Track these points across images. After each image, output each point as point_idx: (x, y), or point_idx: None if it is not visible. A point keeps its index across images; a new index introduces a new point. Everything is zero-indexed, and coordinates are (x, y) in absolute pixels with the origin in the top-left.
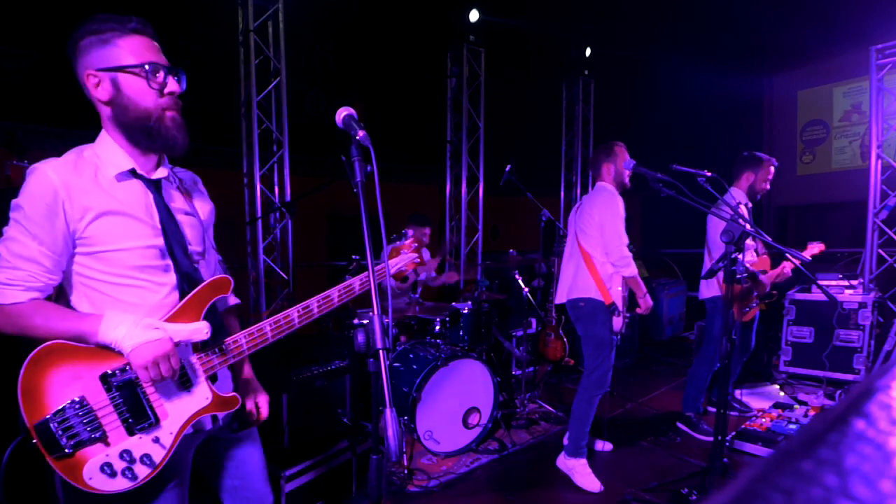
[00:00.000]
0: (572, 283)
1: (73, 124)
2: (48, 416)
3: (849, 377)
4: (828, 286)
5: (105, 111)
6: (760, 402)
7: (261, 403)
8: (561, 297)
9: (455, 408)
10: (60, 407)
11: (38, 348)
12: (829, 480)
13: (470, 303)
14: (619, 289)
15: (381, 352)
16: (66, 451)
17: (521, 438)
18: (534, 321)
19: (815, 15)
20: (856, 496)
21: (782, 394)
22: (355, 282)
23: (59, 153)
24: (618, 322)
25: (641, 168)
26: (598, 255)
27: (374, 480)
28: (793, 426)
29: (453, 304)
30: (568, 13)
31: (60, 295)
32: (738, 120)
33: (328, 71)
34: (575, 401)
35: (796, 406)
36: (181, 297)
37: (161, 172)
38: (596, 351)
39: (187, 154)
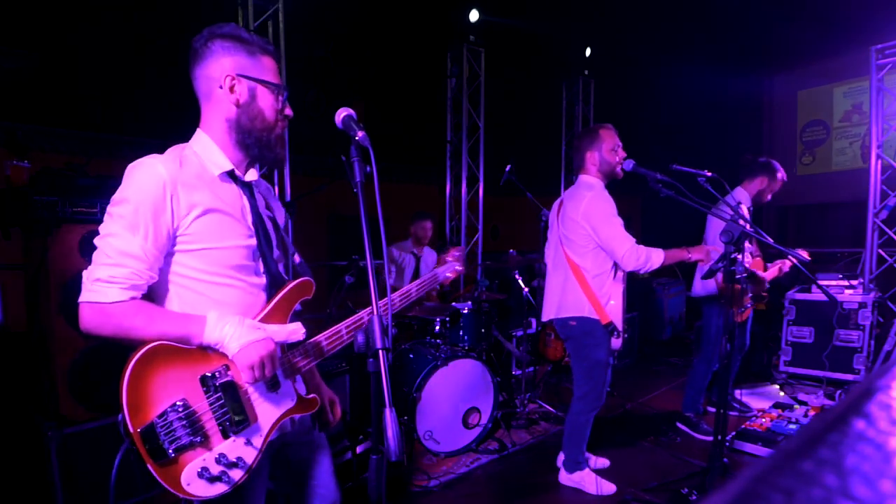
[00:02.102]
0: (561, 300)
1: (72, 124)
2: (154, 420)
3: (849, 377)
4: (828, 286)
5: (227, 112)
6: (760, 402)
7: (335, 402)
8: (549, 314)
9: (455, 408)
10: (164, 410)
11: (145, 349)
12: (829, 480)
13: (470, 303)
14: (613, 302)
15: (380, 352)
16: (170, 455)
17: (521, 438)
18: (534, 321)
19: (815, 15)
20: (856, 496)
21: (782, 394)
22: (412, 287)
23: (59, 153)
24: (616, 342)
25: (641, 168)
26: (589, 265)
27: (374, 480)
28: (793, 426)
29: (453, 304)
30: (568, 13)
31: (147, 296)
32: (738, 120)
33: (328, 71)
34: (567, 420)
35: (796, 406)
36: (268, 300)
37: (251, 175)
38: (587, 374)
39: None
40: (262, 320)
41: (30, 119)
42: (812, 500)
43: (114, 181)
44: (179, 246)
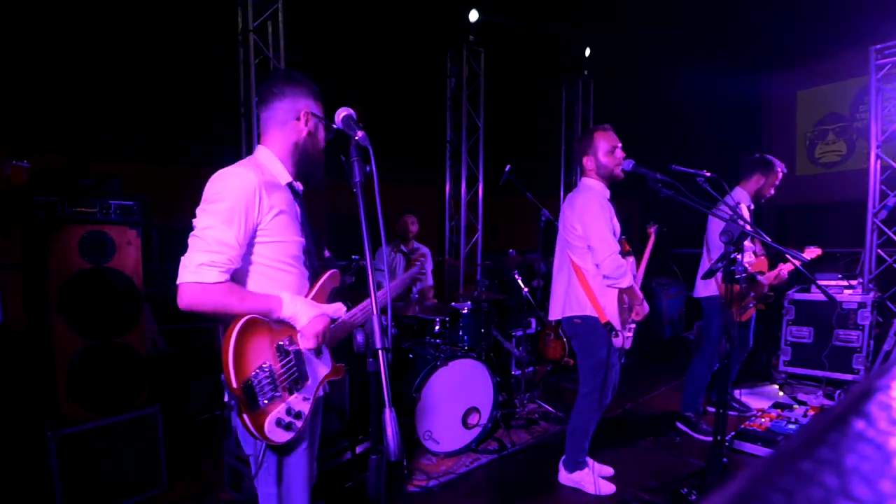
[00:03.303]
0: (566, 300)
1: (73, 124)
2: (250, 377)
3: (848, 377)
4: (827, 286)
5: (297, 138)
6: (760, 402)
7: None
8: (555, 314)
9: (454, 408)
10: (255, 370)
11: (244, 321)
12: (828, 480)
13: (469, 303)
14: (614, 303)
15: (380, 352)
16: (261, 405)
17: (521, 438)
18: (533, 321)
19: (814, 15)
20: (855, 496)
21: (782, 394)
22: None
23: (58, 153)
24: (618, 341)
25: (641, 168)
26: (589, 266)
27: (373, 480)
28: (792, 426)
29: (453, 304)
30: (568, 13)
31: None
32: (737, 120)
33: (328, 70)
34: (571, 418)
35: (796, 406)
36: (310, 286)
37: (298, 185)
38: (591, 371)
39: (186, 155)
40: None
41: (30, 119)
42: (812, 500)
43: (114, 181)
44: (259, 238)
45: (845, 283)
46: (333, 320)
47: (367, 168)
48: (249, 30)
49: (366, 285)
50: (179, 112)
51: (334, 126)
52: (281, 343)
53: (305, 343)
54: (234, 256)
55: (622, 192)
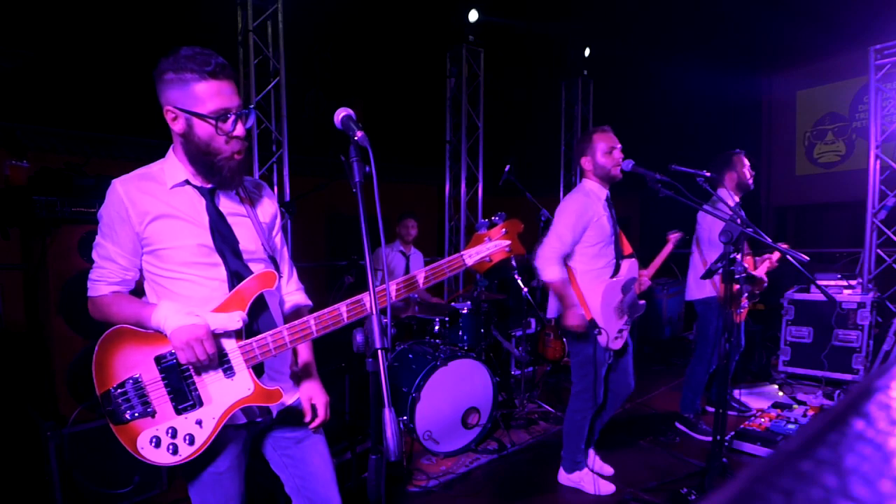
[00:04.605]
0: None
1: (71, 124)
2: (111, 388)
3: (847, 377)
4: (827, 286)
5: (178, 139)
6: (759, 401)
7: (317, 404)
8: (552, 312)
9: (454, 408)
10: (122, 381)
11: (109, 331)
12: (828, 481)
13: (469, 303)
14: (598, 300)
15: (379, 352)
16: (124, 419)
17: (521, 438)
18: (533, 321)
19: (814, 15)
20: (855, 496)
21: (781, 394)
22: (419, 274)
23: (58, 153)
24: (602, 339)
25: (640, 168)
26: (576, 263)
27: (373, 480)
28: (792, 426)
29: (452, 304)
30: (567, 13)
31: (134, 291)
32: (737, 120)
33: (327, 71)
34: (565, 417)
35: (795, 406)
36: (230, 291)
37: (202, 182)
38: (580, 369)
39: None
40: (217, 310)
41: (29, 119)
42: (811, 500)
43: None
44: (144, 248)
45: (845, 283)
46: (247, 334)
47: (367, 168)
48: (249, 30)
49: (366, 285)
50: None
51: (338, 126)
52: (160, 355)
53: (179, 355)
54: (115, 269)
55: (622, 193)
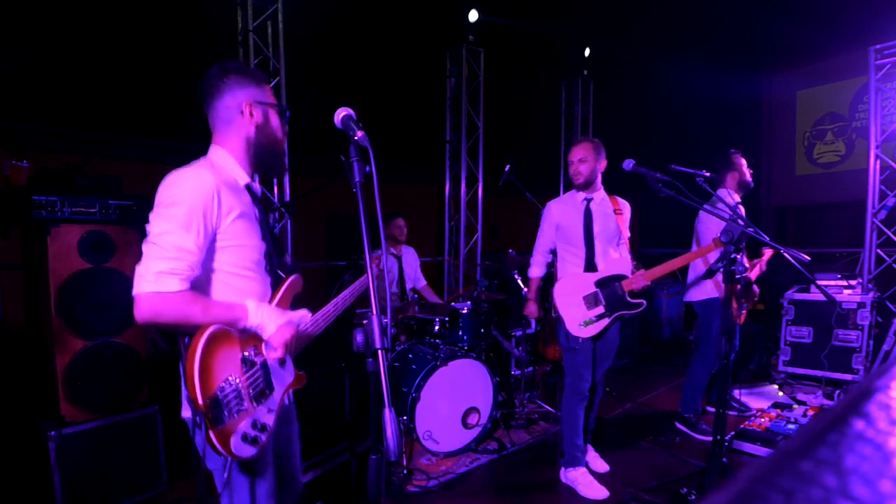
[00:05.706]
0: None
1: (71, 124)
2: (216, 392)
3: (847, 377)
4: (826, 286)
5: (247, 132)
6: (759, 401)
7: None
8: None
9: (454, 408)
10: (221, 384)
11: (209, 332)
12: (828, 480)
13: (469, 303)
14: (558, 290)
15: (379, 352)
16: (226, 421)
17: (521, 438)
18: (533, 321)
19: (814, 15)
20: (855, 496)
21: (781, 394)
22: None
23: (58, 153)
24: (571, 328)
25: (641, 168)
26: (560, 265)
27: (373, 480)
28: (792, 426)
29: (452, 303)
30: (567, 13)
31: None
32: (737, 120)
33: (327, 71)
34: (560, 412)
35: (795, 406)
36: (273, 291)
37: (256, 186)
38: (564, 360)
39: (186, 155)
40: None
41: (28, 119)
42: (811, 500)
43: (114, 181)
44: (218, 243)
45: (845, 283)
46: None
47: (367, 168)
48: (249, 30)
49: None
50: (180, 112)
51: (338, 126)
52: (246, 354)
53: (273, 353)
54: (194, 263)
55: (622, 192)
